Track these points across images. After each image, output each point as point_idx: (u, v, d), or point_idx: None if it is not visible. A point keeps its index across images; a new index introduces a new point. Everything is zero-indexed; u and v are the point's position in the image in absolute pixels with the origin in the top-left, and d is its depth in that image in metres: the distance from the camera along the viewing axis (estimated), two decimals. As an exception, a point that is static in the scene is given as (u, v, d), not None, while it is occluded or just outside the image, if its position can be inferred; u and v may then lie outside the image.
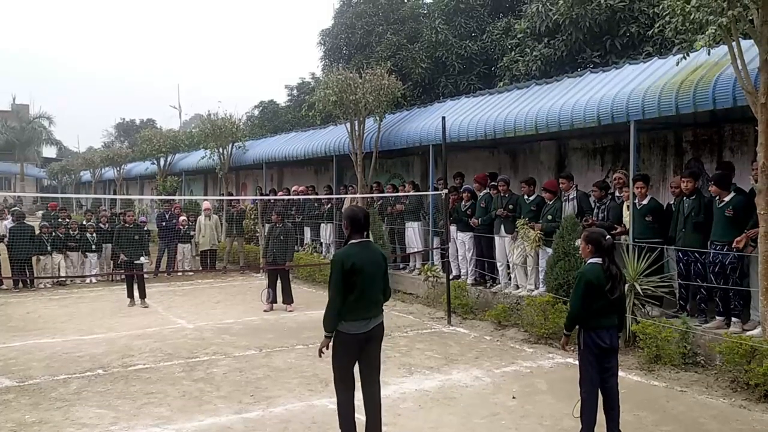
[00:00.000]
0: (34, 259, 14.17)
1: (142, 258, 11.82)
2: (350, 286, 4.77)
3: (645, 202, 8.53)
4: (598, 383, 5.07)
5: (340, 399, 4.95)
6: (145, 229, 16.39)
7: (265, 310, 11.02)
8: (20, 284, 13.93)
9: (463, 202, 11.38)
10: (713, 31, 6.59)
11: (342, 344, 4.87)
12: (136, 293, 11.70)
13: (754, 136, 6.89)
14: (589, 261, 5.14)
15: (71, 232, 14.85)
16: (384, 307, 5.09)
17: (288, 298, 11.27)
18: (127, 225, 12.13)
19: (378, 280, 4.93)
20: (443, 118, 10.70)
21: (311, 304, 11.76)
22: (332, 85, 13.49)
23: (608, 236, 5.14)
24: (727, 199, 7.55)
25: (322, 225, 15.66)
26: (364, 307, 4.83)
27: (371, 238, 5.11)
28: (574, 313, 5.11)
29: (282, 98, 29.66)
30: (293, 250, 11.72)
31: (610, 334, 5.06)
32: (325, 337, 4.91)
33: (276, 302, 11.31)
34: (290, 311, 11.05)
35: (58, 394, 6.60)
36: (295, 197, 16.48)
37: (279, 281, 11.29)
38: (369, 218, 5.11)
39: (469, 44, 17.00)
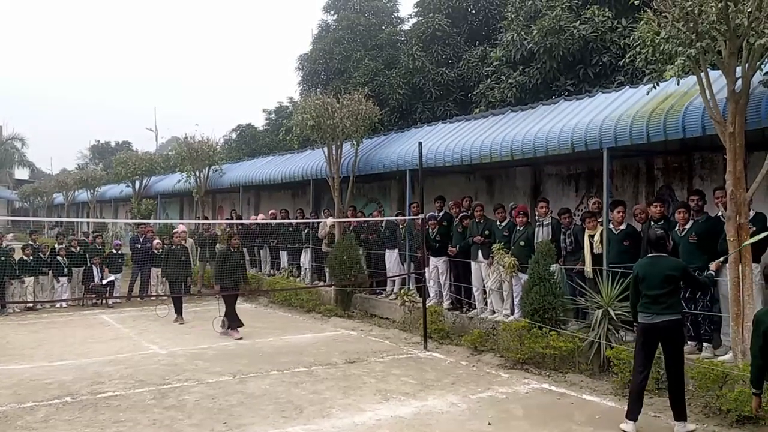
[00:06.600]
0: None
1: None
2: (640, 290, 6.25)
3: (623, 227, 8.64)
4: None
5: (635, 370, 6.25)
6: (120, 252, 16.22)
7: (238, 338, 10.69)
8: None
9: (430, 229, 11.35)
10: (682, 61, 6.77)
11: (638, 331, 6.37)
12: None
13: (723, 164, 7.06)
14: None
15: (42, 256, 14.57)
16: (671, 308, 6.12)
17: (238, 323, 11.04)
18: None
19: (661, 285, 6.09)
20: (420, 143, 10.80)
21: (287, 328, 11.65)
22: (310, 109, 13.55)
23: None
24: (687, 226, 7.72)
25: (303, 250, 15.52)
26: (647, 304, 6.15)
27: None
28: (756, 363, 4.65)
29: (260, 122, 29.63)
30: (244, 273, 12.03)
31: None
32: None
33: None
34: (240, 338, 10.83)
35: (25, 422, 6.42)
36: (267, 221, 16.39)
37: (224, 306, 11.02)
38: (662, 238, 6.35)
39: (446, 71, 17.24)
